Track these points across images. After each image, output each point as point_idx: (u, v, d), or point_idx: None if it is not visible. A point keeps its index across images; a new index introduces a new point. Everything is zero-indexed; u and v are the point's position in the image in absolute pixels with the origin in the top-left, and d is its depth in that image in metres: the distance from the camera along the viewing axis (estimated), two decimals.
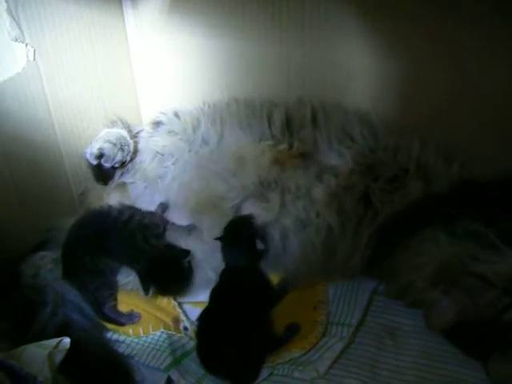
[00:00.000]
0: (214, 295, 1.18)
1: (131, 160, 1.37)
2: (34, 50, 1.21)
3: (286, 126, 1.33)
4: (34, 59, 1.21)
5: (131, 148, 1.36)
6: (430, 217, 1.16)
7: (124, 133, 1.35)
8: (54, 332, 1.08)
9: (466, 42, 1.21)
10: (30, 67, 1.21)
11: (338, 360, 1.10)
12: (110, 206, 1.29)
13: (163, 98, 1.61)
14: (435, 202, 1.17)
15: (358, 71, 1.36)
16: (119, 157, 1.31)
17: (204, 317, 1.15)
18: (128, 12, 1.50)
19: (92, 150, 1.29)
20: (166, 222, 1.29)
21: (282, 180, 1.27)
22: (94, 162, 1.29)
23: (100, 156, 1.29)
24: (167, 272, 1.23)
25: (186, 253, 1.24)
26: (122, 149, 1.32)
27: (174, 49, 1.53)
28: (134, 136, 1.40)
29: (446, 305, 1.04)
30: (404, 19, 1.24)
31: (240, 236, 1.21)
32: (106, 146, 1.29)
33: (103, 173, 1.35)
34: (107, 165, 1.30)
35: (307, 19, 1.33)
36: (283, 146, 1.30)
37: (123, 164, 1.35)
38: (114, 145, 1.30)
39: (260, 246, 1.21)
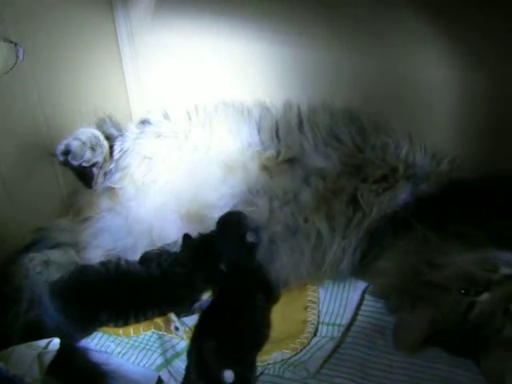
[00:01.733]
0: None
1: (105, 161, 1.35)
2: (23, 50, 1.20)
3: (275, 132, 1.34)
4: (23, 59, 1.20)
5: (105, 149, 1.34)
6: (418, 218, 1.15)
7: (97, 133, 1.34)
8: (22, 330, 1.08)
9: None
10: (18, 66, 1.20)
11: (329, 360, 1.10)
12: (133, 266, 1.23)
13: (154, 97, 1.61)
14: (424, 203, 1.17)
15: (348, 70, 1.36)
16: (88, 156, 1.29)
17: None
18: (118, 10, 1.49)
19: (60, 146, 1.28)
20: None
21: (269, 186, 1.27)
22: (61, 158, 1.28)
23: (66, 152, 1.27)
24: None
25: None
26: (92, 148, 1.30)
27: (165, 47, 1.52)
28: (120, 135, 1.39)
29: (412, 323, 1.05)
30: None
31: (229, 228, 1.22)
32: (74, 143, 1.28)
33: (79, 172, 1.35)
34: (75, 162, 1.28)
35: (296, 17, 1.34)
36: (271, 153, 1.31)
37: (95, 164, 1.33)
38: (83, 143, 1.29)
39: (251, 238, 1.21)
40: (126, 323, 1.19)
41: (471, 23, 1.19)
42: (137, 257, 1.28)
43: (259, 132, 1.34)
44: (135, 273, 1.21)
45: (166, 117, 1.40)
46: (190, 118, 1.39)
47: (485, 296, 1.00)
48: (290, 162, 1.29)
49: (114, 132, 1.40)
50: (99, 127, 1.38)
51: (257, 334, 1.13)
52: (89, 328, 1.19)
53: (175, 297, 1.22)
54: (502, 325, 0.99)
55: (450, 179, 1.22)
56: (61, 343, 1.02)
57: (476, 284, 1.01)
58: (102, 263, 1.22)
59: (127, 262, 1.24)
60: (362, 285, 1.24)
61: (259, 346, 1.13)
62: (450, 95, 1.31)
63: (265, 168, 1.29)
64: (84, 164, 1.30)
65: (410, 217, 1.15)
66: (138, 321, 1.19)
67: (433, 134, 1.30)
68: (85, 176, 1.36)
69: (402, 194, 1.21)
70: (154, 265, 1.22)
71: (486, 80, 1.26)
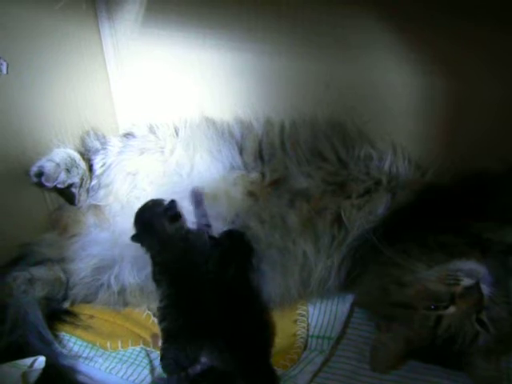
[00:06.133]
0: None
1: (84, 180, 1.33)
2: (7, 64, 1.18)
3: (258, 153, 1.32)
4: (7, 72, 1.19)
5: (81, 170, 1.31)
6: (399, 230, 1.14)
7: (73, 154, 1.31)
8: (6, 351, 1.07)
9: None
10: (2, 80, 1.19)
11: (319, 374, 1.10)
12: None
13: (141, 109, 1.59)
14: (403, 216, 1.17)
15: (335, 80, 1.37)
16: (62, 177, 1.26)
17: None
18: (103, 23, 1.48)
19: (33, 167, 1.26)
20: None
21: (255, 211, 1.25)
22: (34, 180, 1.25)
23: (39, 174, 1.24)
24: None
25: None
26: (67, 170, 1.27)
27: (150, 60, 1.51)
28: (103, 148, 1.37)
29: (386, 345, 1.05)
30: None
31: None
32: (48, 165, 1.25)
33: (58, 192, 1.33)
34: (48, 184, 1.25)
35: (283, 28, 1.34)
36: (255, 176, 1.29)
37: (71, 185, 1.31)
38: (57, 165, 1.26)
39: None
40: None
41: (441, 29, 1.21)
42: (124, 267, 1.27)
43: (241, 153, 1.32)
44: None
45: (152, 130, 1.38)
46: (176, 134, 1.37)
47: (451, 309, 1.01)
48: (276, 184, 1.27)
49: (97, 145, 1.38)
50: (83, 141, 1.38)
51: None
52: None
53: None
54: (474, 335, 1.00)
55: (421, 185, 1.21)
56: (46, 362, 1.01)
57: (440, 300, 1.02)
58: None
59: None
60: (350, 297, 1.23)
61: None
62: (416, 100, 1.33)
63: (249, 194, 1.27)
64: (59, 186, 1.27)
65: (384, 232, 1.14)
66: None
67: (403, 138, 1.31)
68: (66, 195, 1.34)
69: (381, 207, 1.20)
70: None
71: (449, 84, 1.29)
